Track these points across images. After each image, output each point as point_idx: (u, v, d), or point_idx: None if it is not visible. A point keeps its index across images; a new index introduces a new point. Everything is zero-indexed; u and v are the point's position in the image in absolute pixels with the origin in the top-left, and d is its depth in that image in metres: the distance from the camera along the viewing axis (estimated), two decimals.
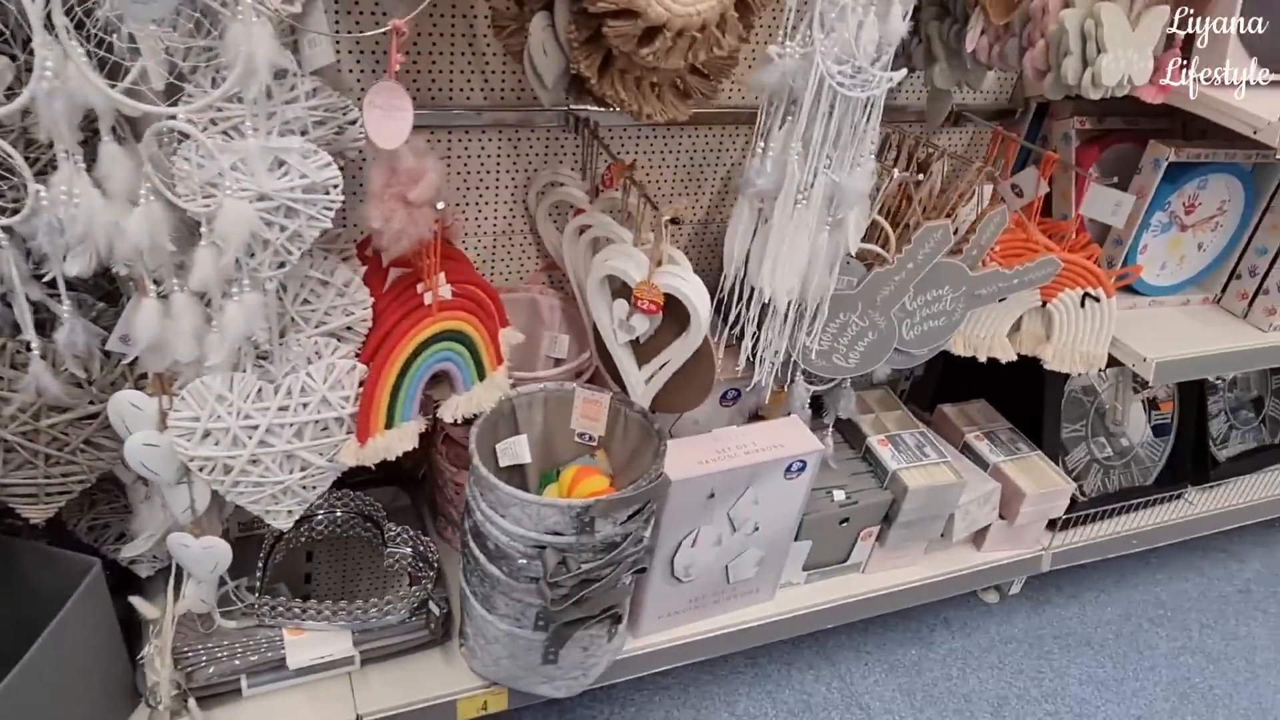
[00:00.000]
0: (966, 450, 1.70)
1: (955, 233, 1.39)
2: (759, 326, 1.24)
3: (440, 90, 1.26)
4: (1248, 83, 1.38)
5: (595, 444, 1.29)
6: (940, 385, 1.89)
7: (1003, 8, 1.12)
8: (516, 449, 1.23)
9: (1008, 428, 1.74)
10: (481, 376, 1.16)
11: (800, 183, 1.11)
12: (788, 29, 1.03)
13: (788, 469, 1.32)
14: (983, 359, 1.49)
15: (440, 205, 0.96)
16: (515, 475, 1.26)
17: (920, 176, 1.41)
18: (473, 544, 1.16)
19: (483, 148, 1.34)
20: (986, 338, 1.48)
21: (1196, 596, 1.95)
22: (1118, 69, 1.14)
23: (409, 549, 1.34)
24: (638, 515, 1.13)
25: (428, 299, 1.06)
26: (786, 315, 1.21)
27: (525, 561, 1.10)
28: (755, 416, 1.51)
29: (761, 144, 1.09)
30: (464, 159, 1.33)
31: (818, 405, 1.51)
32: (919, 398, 1.94)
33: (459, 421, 1.14)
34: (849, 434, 1.61)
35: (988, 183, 1.41)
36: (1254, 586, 2.00)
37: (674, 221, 1.11)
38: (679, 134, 1.45)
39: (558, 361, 1.44)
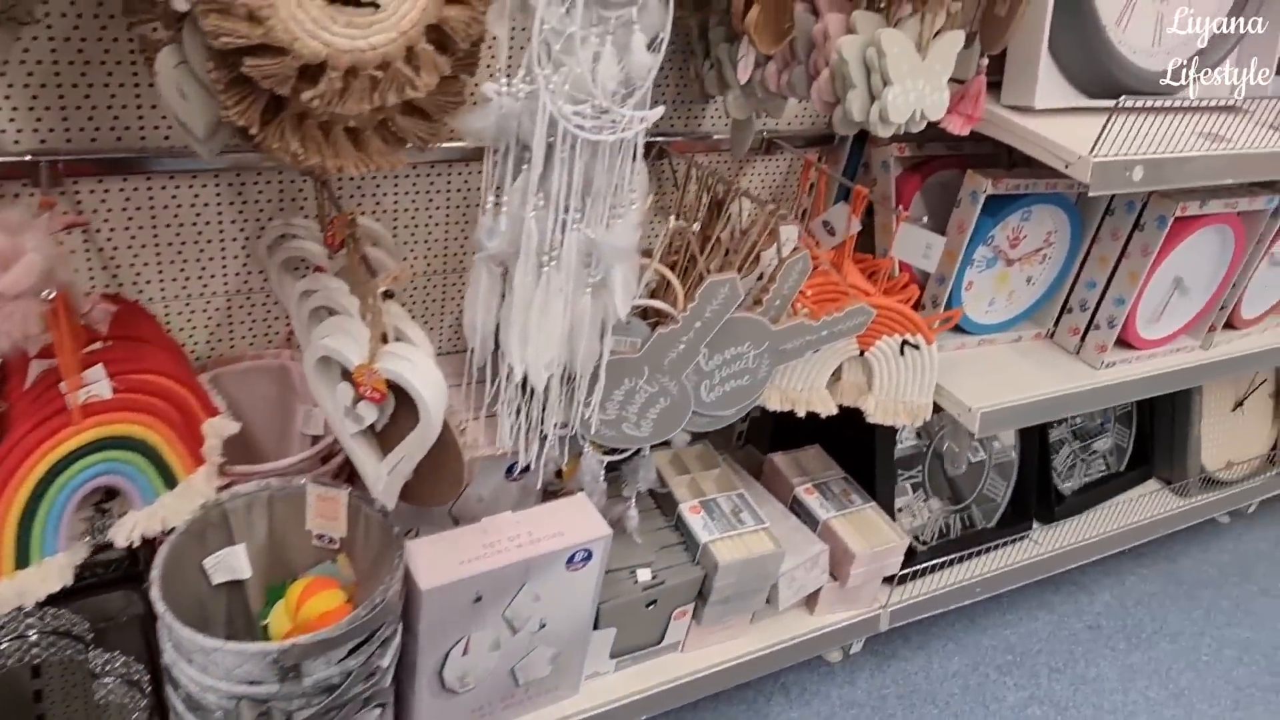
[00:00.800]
0: (796, 505, 1.56)
1: (761, 277, 1.24)
2: (527, 401, 1.07)
3: (129, 125, 1.04)
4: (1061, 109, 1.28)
5: (338, 547, 1.09)
6: (778, 427, 1.75)
7: (770, 35, 0.97)
8: (231, 563, 1.02)
9: (841, 477, 1.61)
10: (172, 484, 0.95)
11: (545, 242, 0.93)
12: (506, 63, 0.85)
13: (570, 560, 1.15)
14: (801, 414, 1.35)
15: (48, 293, 0.74)
16: (235, 593, 1.06)
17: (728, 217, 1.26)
18: (168, 688, 0.95)
19: (196, 195, 1.12)
20: (804, 390, 1.34)
21: (1046, 637, 1.87)
22: (907, 103, 1.01)
23: (117, 677, 1.12)
24: (363, 647, 0.94)
25: (73, 401, 0.84)
26: (548, 391, 1.04)
27: (222, 715, 0.90)
28: (550, 491, 1.34)
29: (492, 199, 0.91)
30: (173, 208, 1.11)
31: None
32: (758, 439, 1.81)
33: (135, 545, 0.93)
34: (662, 500, 1.45)
35: (786, 223, 1.26)
36: (1103, 621, 1.94)
37: (388, 295, 0.92)
38: (445, 172, 1.26)
39: (315, 439, 1.24)
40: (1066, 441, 1.92)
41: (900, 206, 1.37)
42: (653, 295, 1.20)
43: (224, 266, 1.18)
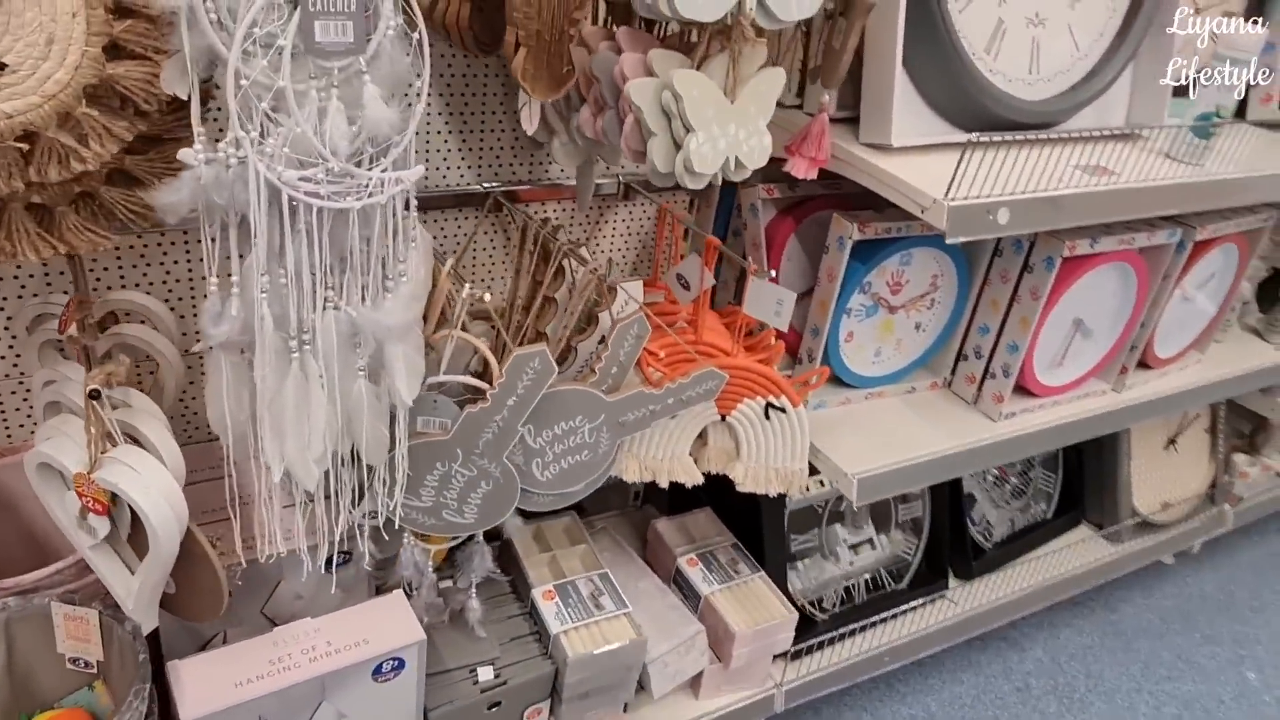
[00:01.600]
0: (678, 578, 1.43)
1: (603, 340, 1.12)
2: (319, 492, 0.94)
3: None
4: (928, 146, 1.17)
5: (95, 671, 0.95)
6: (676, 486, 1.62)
7: (545, 83, 0.85)
8: None
9: (731, 544, 1.49)
10: None
11: (292, 325, 0.81)
12: (207, 123, 0.73)
13: (377, 671, 1.02)
14: (664, 484, 1.22)
15: None
16: None
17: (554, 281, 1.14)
18: None
19: None
20: (665, 459, 1.22)
21: (970, 703, 1.74)
22: (715, 151, 0.89)
23: None
24: None
25: None
26: (335, 482, 0.91)
27: None
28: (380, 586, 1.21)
29: (215, 280, 0.78)
30: None
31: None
32: (656, 497, 1.68)
33: None
34: (518, 583, 1.32)
35: (631, 278, 1.14)
36: (1033, 681, 1.81)
37: (93, 396, 0.79)
38: None
39: None
40: (987, 491, 1.80)
41: (749, 259, 1.26)
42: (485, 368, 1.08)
43: None
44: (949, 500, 1.66)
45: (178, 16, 0.67)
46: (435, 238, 1.23)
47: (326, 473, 0.90)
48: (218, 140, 0.73)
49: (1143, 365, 1.56)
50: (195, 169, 0.72)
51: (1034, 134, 1.16)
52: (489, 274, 1.31)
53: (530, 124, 0.89)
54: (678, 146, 0.89)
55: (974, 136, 1.00)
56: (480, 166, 1.22)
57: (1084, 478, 1.91)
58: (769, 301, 1.11)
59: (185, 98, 0.70)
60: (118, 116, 0.69)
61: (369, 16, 0.74)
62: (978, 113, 1.19)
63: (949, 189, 1.03)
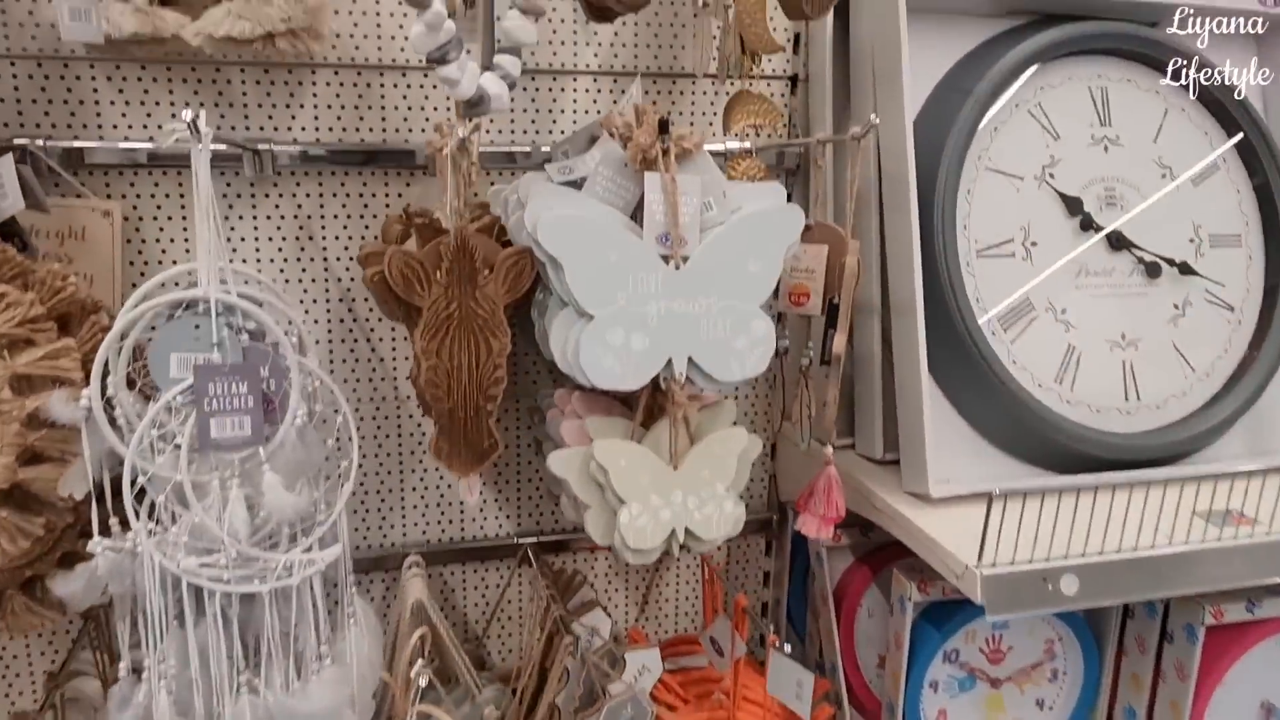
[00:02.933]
0: None
1: None
2: None
3: None
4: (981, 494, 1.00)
5: None
6: None
7: (465, 460, 0.82)
8: None
9: None
10: None
11: (199, 714, 0.78)
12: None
13: None
14: None
15: None
16: None
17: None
18: None
19: None
20: None
21: None
22: (657, 525, 0.80)
23: None
24: None
25: None
26: None
27: None
28: None
29: (125, 665, 0.79)
30: None
31: None
32: None
33: None
34: None
35: (646, 645, 1.03)
36: None
37: None
38: None
39: None
40: None
41: (773, 628, 1.09)
42: None
43: None
44: None
45: (80, 423, 0.72)
46: (466, 593, 1.20)
47: None
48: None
49: None
50: (99, 557, 0.74)
51: (1141, 474, 0.97)
52: (522, 630, 1.24)
53: (469, 494, 0.86)
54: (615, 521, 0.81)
55: (995, 489, 0.84)
56: (514, 516, 1.20)
57: None
58: (789, 682, 0.95)
59: (82, 498, 0.74)
60: (34, 514, 0.74)
61: (273, 409, 0.77)
62: (1053, 450, 1.01)
63: (980, 551, 0.85)
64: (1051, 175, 1.04)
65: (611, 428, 0.82)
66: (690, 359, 0.79)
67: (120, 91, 0.97)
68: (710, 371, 0.80)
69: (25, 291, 0.71)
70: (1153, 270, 1.07)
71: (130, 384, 0.75)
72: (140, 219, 1.00)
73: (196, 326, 0.73)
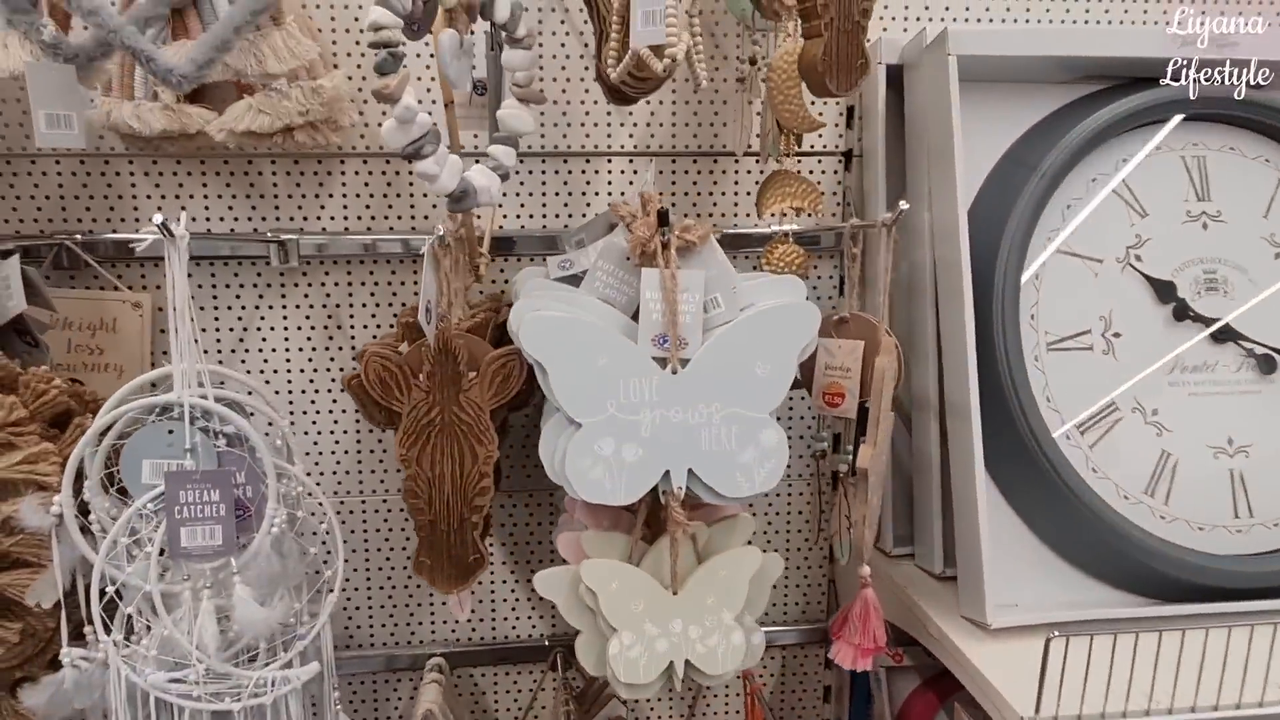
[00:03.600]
0: None
1: None
2: None
3: None
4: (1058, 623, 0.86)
5: None
6: None
7: (449, 578, 0.76)
8: None
9: None
10: None
11: None
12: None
13: None
14: None
15: None
16: None
17: None
18: None
19: None
20: None
21: None
22: (654, 656, 0.72)
23: None
24: None
25: None
26: None
27: None
28: None
29: None
30: None
31: None
32: None
33: None
34: None
35: None
36: None
37: None
38: None
39: None
40: None
41: None
42: None
43: None
44: None
45: (51, 530, 0.71)
46: (498, 696, 1.13)
47: None
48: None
49: None
50: (67, 670, 0.72)
51: (1251, 605, 0.83)
52: None
53: (459, 612, 0.80)
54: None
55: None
56: (547, 616, 1.13)
57: None
58: None
59: (50, 607, 0.72)
60: (13, 618, 0.73)
61: (247, 518, 0.74)
62: (1144, 574, 0.87)
63: (1038, 702, 0.73)
64: (1137, 257, 0.92)
65: (610, 544, 0.75)
66: (691, 472, 0.72)
67: (157, 185, 0.99)
68: (714, 486, 0.72)
69: (9, 395, 0.71)
70: (1266, 365, 0.92)
71: (108, 487, 0.73)
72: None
73: (170, 432, 0.71)
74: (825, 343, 0.85)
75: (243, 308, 1.02)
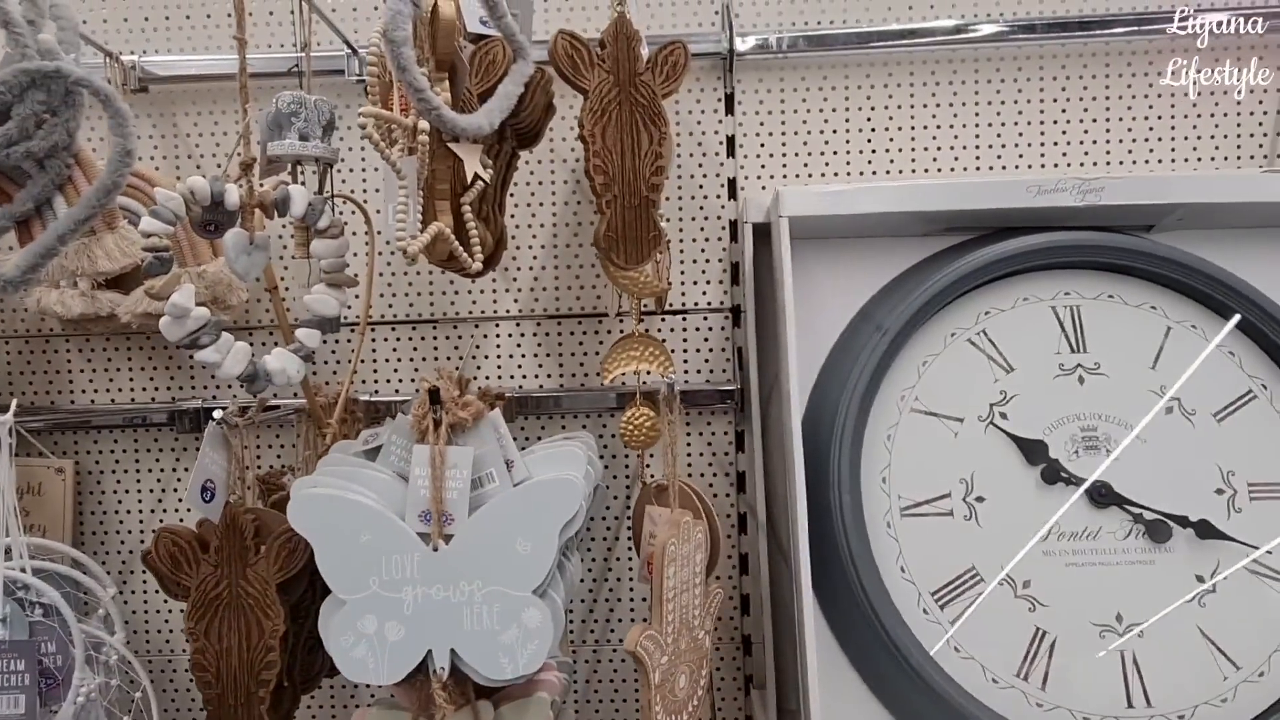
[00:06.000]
0: None
1: None
2: None
3: None
4: None
5: None
6: None
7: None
8: None
9: None
10: None
11: None
12: None
13: None
14: None
15: None
16: None
17: None
18: None
19: None
20: None
21: None
22: None
23: None
24: None
25: None
26: None
27: None
28: None
29: None
30: None
31: None
32: None
33: None
34: None
35: None
36: None
37: None
38: None
39: None
40: None
41: None
42: None
43: None
44: None
45: None
46: None
47: None
48: None
49: None
50: None
51: None
52: None
53: None
54: None
55: None
56: None
57: None
58: None
59: None
60: None
61: (56, 686, 0.77)
62: None
63: None
64: (1003, 415, 0.86)
65: None
66: (454, 652, 0.71)
67: (89, 361, 1.09)
68: (476, 667, 0.70)
69: None
70: (1159, 532, 0.83)
71: None
72: (102, 474, 1.09)
73: None
74: (651, 511, 0.84)
75: (152, 472, 1.09)
